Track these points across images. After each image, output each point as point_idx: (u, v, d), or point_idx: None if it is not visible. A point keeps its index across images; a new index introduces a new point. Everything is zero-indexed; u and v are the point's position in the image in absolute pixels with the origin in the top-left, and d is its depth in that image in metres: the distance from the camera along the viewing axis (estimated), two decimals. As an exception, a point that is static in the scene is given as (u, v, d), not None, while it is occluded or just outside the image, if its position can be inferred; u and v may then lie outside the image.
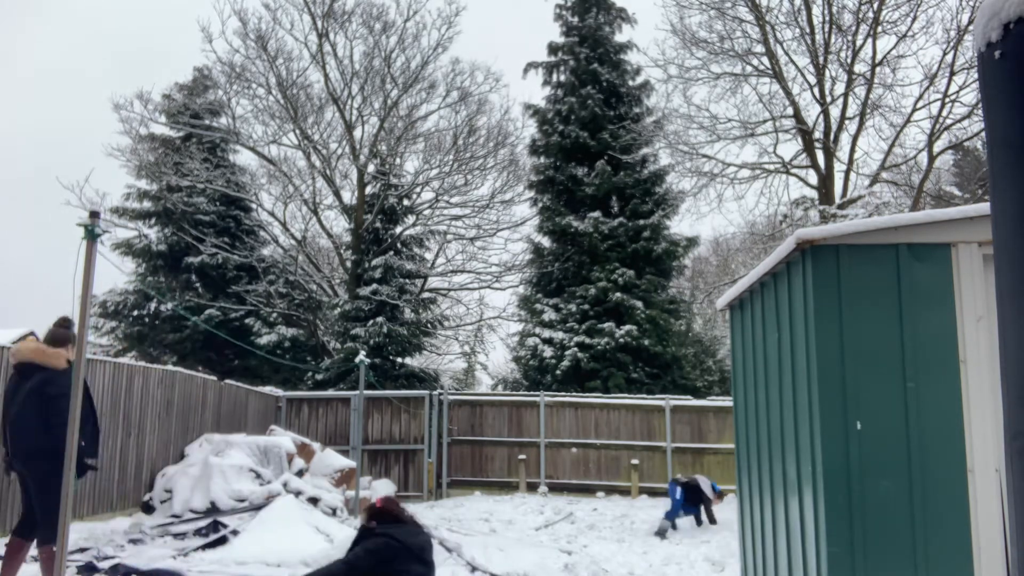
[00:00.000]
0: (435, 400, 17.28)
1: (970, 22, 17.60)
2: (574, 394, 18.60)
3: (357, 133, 23.34)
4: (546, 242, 23.52)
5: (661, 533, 11.40)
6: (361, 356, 13.77)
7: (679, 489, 11.99)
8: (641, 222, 22.13)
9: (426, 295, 24.04)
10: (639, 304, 21.09)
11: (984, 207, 4.59)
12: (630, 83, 24.22)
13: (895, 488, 4.60)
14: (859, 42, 19.33)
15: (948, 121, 19.03)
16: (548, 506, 14.17)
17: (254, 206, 24.68)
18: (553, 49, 24.66)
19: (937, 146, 19.70)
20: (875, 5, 18.90)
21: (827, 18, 19.47)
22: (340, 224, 25.07)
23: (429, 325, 23.22)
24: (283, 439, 12.71)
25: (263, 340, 21.61)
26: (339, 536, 9.24)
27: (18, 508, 9.18)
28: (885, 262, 4.80)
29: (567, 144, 22.97)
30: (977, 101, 17.66)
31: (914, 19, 18.78)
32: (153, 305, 22.32)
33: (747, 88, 20.58)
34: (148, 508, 11.41)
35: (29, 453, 5.74)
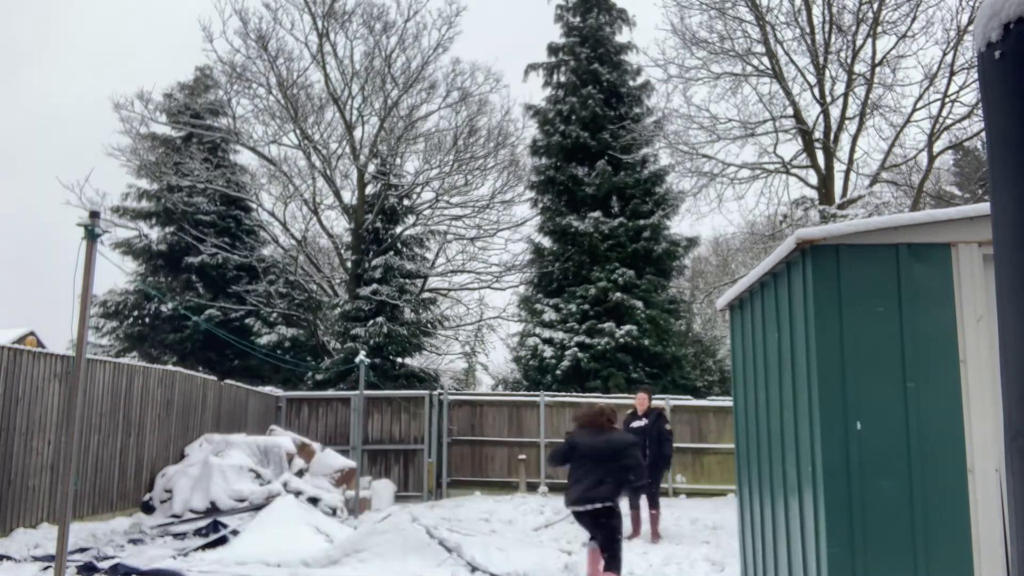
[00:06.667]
0: (435, 400, 17.27)
1: (970, 22, 17.60)
2: (574, 394, 18.60)
3: (357, 133, 23.36)
4: (546, 242, 23.52)
5: None
6: (361, 356, 13.77)
7: None
8: (641, 222, 22.13)
9: (426, 295, 24.04)
10: (639, 304, 21.10)
11: (984, 207, 4.59)
12: (630, 83, 24.23)
13: (895, 488, 4.60)
14: (859, 42, 19.32)
15: (948, 121, 19.02)
16: (548, 506, 14.16)
17: (254, 206, 24.68)
18: (554, 50, 24.67)
19: (937, 146, 19.69)
20: (875, 5, 18.89)
21: (827, 18, 19.47)
22: (340, 224, 25.10)
23: (429, 325, 23.21)
24: (283, 439, 12.72)
25: (263, 340, 21.60)
26: (339, 536, 9.24)
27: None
28: (885, 262, 4.80)
29: (568, 144, 22.97)
30: (977, 101, 17.66)
31: (914, 19, 18.77)
32: (153, 305, 22.32)
33: (747, 88, 20.59)
34: (148, 508, 11.41)
35: None
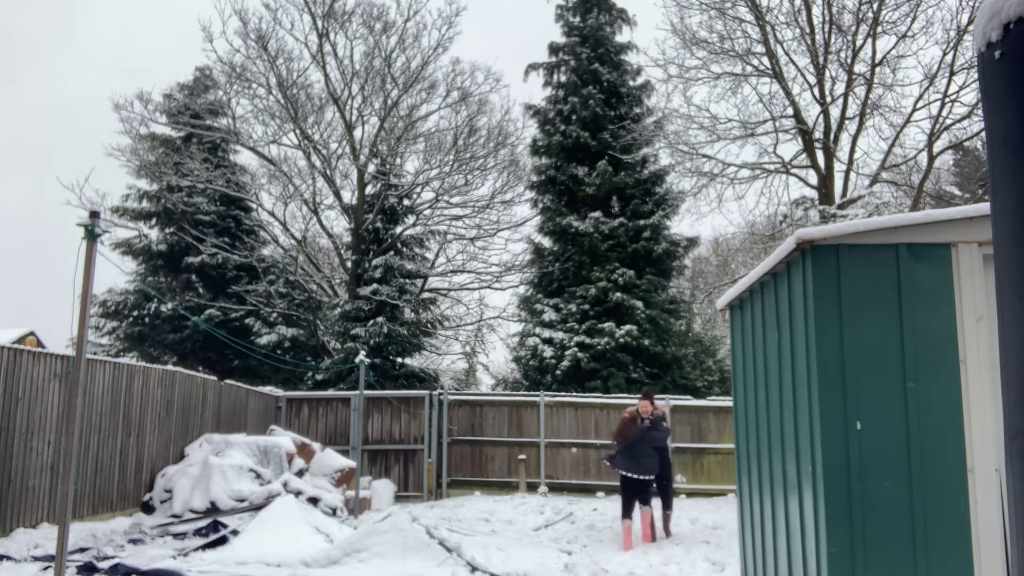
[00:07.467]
0: (435, 400, 17.28)
1: (970, 22, 17.60)
2: (574, 394, 18.60)
3: (357, 133, 23.36)
4: (546, 242, 23.53)
5: None
6: (361, 356, 13.77)
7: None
8: (641, 222, 22.14)
9: (426, 295, 24.04)
10: (639, 304, 21.10)
11: (984, 207, 4.59)
12: (631, 83, 24.23)
13: (895, 488, 4.60)
14: (859, 42, 19.32)
15: (948, 121, 19.02)
16: (548, 506, 14.16)
17: (254, 206, 24.69)
18: (554, 49, 24.67)
19: (937, 146, 19.69)
20: (875, 5, 18.89)
21: (827, 18, 19.47)
22: (340, 224, 25.10)
23: (429, 325, 23.21)
24: (283, 439, 12.72)
25: (263, 340, 21.60)
26: (339, 536, 9.24)
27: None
28: (885, 262, 4.80)
29: (568, 144, 22.98)
30: (977, 101, 17.66)
31: (914, 19, 18.77)
32: (153, 305, 22.32)
33: (747, 88, 20.63)
34: (148, 508, 11.41)
35: None
